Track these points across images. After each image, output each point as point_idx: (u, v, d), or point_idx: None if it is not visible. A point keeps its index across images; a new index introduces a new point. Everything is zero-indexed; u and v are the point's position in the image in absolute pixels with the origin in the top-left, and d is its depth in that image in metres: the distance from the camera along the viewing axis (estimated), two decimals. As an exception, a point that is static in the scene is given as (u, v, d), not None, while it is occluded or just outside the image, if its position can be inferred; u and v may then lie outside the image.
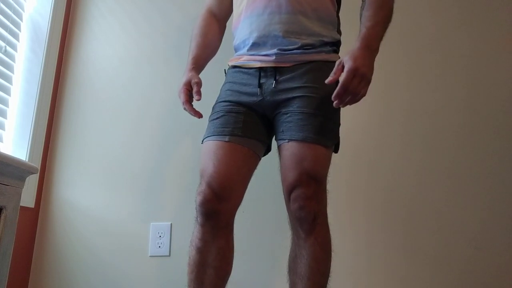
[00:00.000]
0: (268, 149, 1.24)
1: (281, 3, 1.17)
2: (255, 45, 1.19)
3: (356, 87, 1.02)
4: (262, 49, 1.18)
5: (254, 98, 1.16)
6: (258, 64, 1.17)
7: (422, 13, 1.84)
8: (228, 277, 1.13)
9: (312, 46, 1.17)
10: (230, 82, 1.23)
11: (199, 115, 1.22)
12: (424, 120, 1.72)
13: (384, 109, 1.74)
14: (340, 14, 1.30)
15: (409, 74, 1.78)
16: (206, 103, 1.28)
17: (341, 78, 1.03)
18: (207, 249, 1.09)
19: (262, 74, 1.16)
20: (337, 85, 1.17)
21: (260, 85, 1.16)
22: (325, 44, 1.19)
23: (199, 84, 1.21)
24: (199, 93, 1.20)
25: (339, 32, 1.26)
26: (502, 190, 1.62)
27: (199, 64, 1.29)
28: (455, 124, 1.71)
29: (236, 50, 1.29)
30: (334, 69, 1.07)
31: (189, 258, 1.11)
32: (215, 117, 1.19)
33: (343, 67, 1.05)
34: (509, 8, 1.80)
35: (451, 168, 1.66)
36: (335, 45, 1.23)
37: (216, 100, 1.25)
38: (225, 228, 1.12)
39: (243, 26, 1.22)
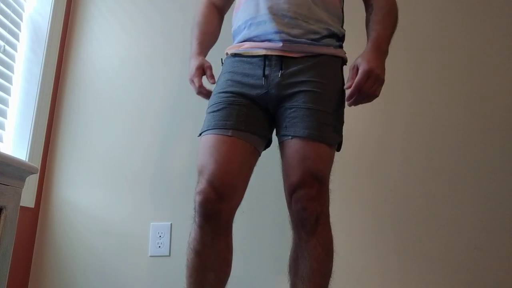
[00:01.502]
0: (268, 144, 1.19)
1: None
2: (261, 24, 1.13)
3: (370, 88, 1.05)
4: (268, 29, 1.12)
5: (258, 91, 1.10)
6: (263, 52, 1.11)
7: (423, 12, 1.84)
8: (228, 278, 1.10)
9: (319, 34, 1.13)
10: (230, 72, 1.16)
11: (208, 96, 1.20)
12: (426, 120, 1.72)
13: (387, 109, 1.73)
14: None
15: (411, 73, 1.78)
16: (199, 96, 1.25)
17: (356, 79, 1.04)
18: (207, 252, 1.05)
19: (266, 63, 1.11)
20: (343, 83, 1.16)
21: (265, 76, 1.10)
22: (332, 35, 1.16)
23: (211, 67, 1.20)
24: (213, 76, 1.19)
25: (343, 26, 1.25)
26: (503, 190, 1.62)
27: (204, 50, 1.28)
28: (457, 124, 1.71)
29: (236, 35, 1.22)
30: (350, 73, 1.08)
31: (187, 261, 1.07)
32: (215, 109, 1.12)
33: (357, 70, 1.06)
34: (509, 7, 1.80)
35: (452, 168, 1.66)
36: (341, 40, 1.21)
37: (214, 91, 1.17)
38: (225, 230, 1.07)
39: (247, 7, 1.17)
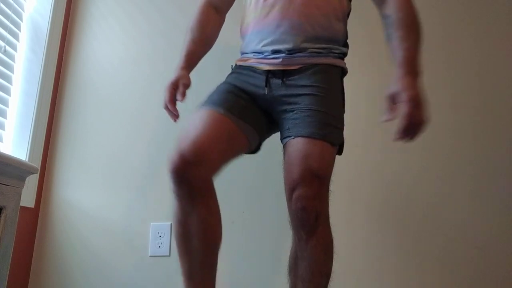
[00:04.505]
0: (258, 147, 1.22)
1: (293, 24, 1.15)
2: (265, 55, 1.20)
3: (420, 116, 1.00)
4: (269, 52, 1.18)
5: (261, 90, 1.15)
6: (266, 67, 1.17)
7: (426, 12, 1.83)
8: (218, 245, 1.09)
9: (319, 53, 1.17)
10: (237, 72, 1.22)
11: (175, 118, 1.20)
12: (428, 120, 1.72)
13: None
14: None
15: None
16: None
17: (403, 110, 0.98)
18: (189, 221, 1.05)
19: (270, 75, 1.16)
20: (343, 91, 1.19)
21: (268, 82, 1.15)
22: (332, 52, 1.19)
23: (186, 85, 1.19)
24: (183, 94, 1.17)
25: (347, 44, 1.26)
26: (503, 190, 1.62)
27: (192, 61, 1.26)
28: (455, 125, 1.70)
29: (243, 53, 1.28)
30: (387, 105, 1.02)
31: (174, 233, 1.08)
32: (214, 92, 1.17)
33: (394, 99, 1.01)
34: None
35: (453, 168, 1.66)
36: (342, 54, 1.23)
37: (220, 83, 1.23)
38: (203, 196, 1.06)
39: (252, 39, 1.21)
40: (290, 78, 1.14)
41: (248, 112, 1.14)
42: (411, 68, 1.05)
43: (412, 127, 1.00)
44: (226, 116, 1.11)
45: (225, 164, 1.12)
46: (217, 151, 1.08)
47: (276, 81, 1.15)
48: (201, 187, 1.06)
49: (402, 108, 0.98)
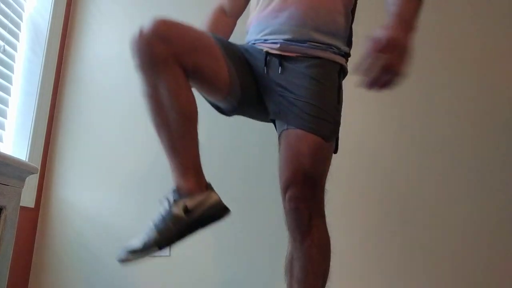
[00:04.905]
0: (234, 109, 1.17)
1: (292, 15, 1.14)
2: (264, 40, 1.20)
3: (397, 63, 0.91)
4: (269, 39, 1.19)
5: (260, 65, 1.14)
6: (265, 49, 1.16)
7: (428, 10, 1.83)
8: (195, 115, 1.03)
9: (317, 47, 1.15)
10: (242, 45, 1.22)
11: None
12: (421, 119, 1.72)
13: (385, 106, 1.73)
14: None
15: (413, 71, 1.77)
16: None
17: (372, 43, 0.92)
18: (157, 92, 1.00)
19: (268, 57, 1.15)
20: (340, 87, 1.16)
21: (266, 63, 1.14)
22: (332, 49, 1.18)
23: None
24: None
25: (350, 43, 1.24)
26: (503, 189, 1.61)
27: None
28: (451, 123, 1.70)
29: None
30: (367, 45, 0.93)
31: (147, 108, 1.03)
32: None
33: (375, 45, 0.93)
34: None
35: (453, 167, 1.66)
36: (343, 52, 1.21)
37: None
38: (168, 68, 0.99)
39: (253, 31, 1.22)
40: (287, 63, 1.12)
41: (241, 64, 1.13)
42: (404, 18, 0.98)
43: (384, 74, 0.93)
44: (216, 44, 1.09)
45: (195, 65, 1.04)
46: (189, 41, 1.03)
47: (274, 62, 1.13)
48: (164, 59, 0.99)
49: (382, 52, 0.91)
